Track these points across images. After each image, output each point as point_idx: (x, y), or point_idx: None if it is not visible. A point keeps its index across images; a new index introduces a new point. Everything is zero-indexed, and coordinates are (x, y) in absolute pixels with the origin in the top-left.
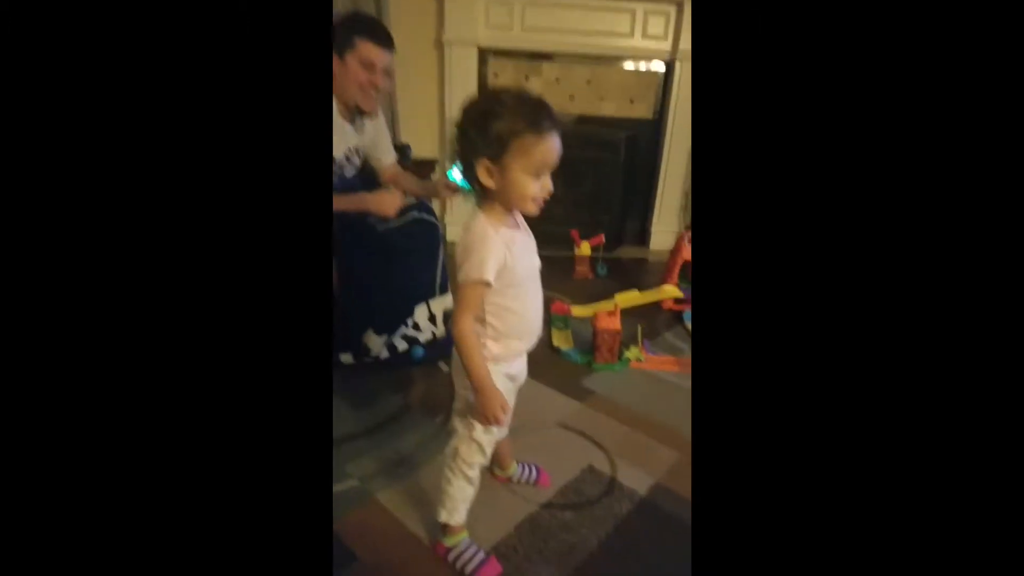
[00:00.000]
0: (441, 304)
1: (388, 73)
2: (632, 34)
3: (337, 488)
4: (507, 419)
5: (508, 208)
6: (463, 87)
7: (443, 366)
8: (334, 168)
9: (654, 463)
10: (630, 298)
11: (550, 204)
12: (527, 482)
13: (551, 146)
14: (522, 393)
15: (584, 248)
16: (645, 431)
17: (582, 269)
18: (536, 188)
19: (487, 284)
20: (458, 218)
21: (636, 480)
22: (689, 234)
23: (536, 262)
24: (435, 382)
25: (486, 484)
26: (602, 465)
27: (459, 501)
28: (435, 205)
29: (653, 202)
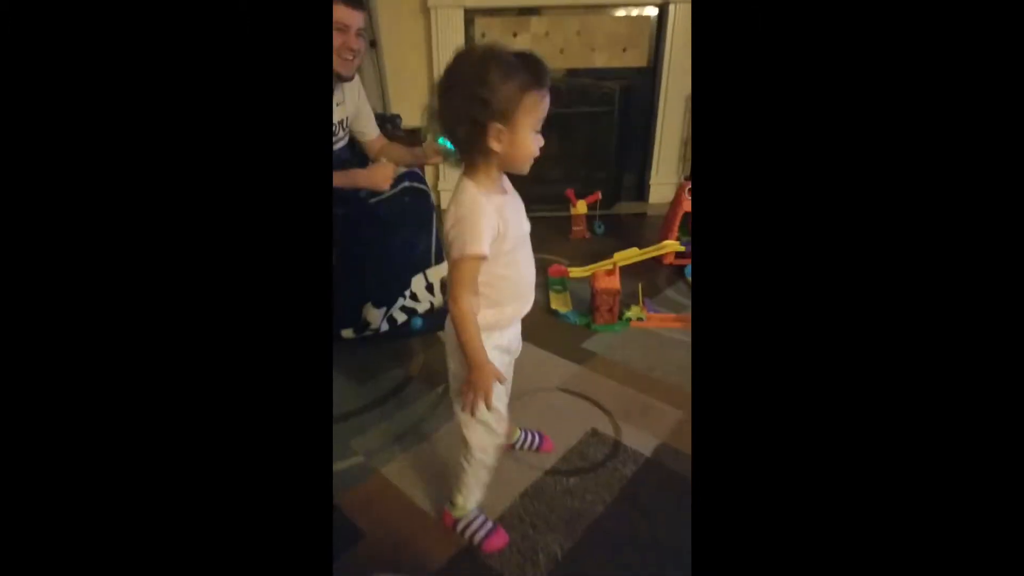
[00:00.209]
0: (438, 273)
1: (361, 35)
2: None
3: (342, 465)
4: (506, 391)
5: (505, 170)
6: (452, 51)
7: (442, 336)
8: None
9: (659, 423)
10: (629, 256)
11: (544, 163)
12: (530, 448)
13: (548, 100)
14: (521, 358)
15: (580, 207)
16: (648, 391)
17: (579, 229)
18: (536, 146)
19: (483, 258)
20: (451, 185)
21: (641, 441)
22: (689, 185)
23: (526, 226)
24: (435, 352)
25: None
26: (605, 428)
27: (475, 488)
28: (427, 173)
29: (651, 154)
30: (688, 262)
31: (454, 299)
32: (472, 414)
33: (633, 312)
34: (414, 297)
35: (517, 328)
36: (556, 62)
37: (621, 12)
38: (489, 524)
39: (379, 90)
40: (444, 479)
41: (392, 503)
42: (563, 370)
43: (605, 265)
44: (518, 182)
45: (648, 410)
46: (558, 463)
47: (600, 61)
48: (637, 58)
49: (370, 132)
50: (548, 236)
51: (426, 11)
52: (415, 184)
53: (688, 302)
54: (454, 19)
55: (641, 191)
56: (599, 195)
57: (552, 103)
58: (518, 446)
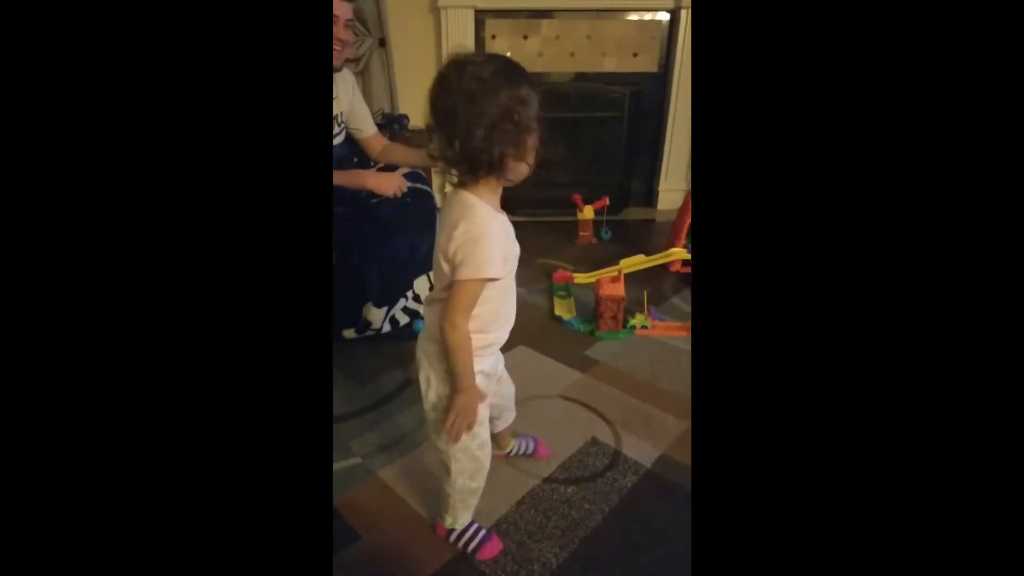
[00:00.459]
0: None
1: (349, 26)
2: None
3: (340, 466)
4: (484, 412)
5: (506, 184)
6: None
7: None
8: None
9: (660, 434)
10: (635, 262)
11: (551, 168)
12: (524, 454)
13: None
14: (522, 364)
15: (587, 212)
16: (651, 400)
17: (585, 234)
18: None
19: (495, 281)
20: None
21: (641, 452)
22: None
23: (517, 248)
24: None
25: None
26: (606, 437)
27: (462, 509)
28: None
29: (660, 160)
30: None
31: (453, 324)
32: (455, 441)
33: (638, 320)
34: (417, 299)
35: (498, 352)
36: (566, 66)
37: (632, 16)
38: (483, 532)
39: (388, 90)
40: (440, 485)
41: (388, 507)
42: (565, 377)
43: (610, 271)
44: (524, 186)
45: (650, 420)
46: (556, 471)
47: (610, 66)
48: (648, 63)
49: (367, 129)
50: (554, 241)
51: (436, 11)
52: (418, 186)
53: None
54: (464, 20)
55: (649, 197)
56: (607, 201)
57: (561, 107)
58: (512, 453)
